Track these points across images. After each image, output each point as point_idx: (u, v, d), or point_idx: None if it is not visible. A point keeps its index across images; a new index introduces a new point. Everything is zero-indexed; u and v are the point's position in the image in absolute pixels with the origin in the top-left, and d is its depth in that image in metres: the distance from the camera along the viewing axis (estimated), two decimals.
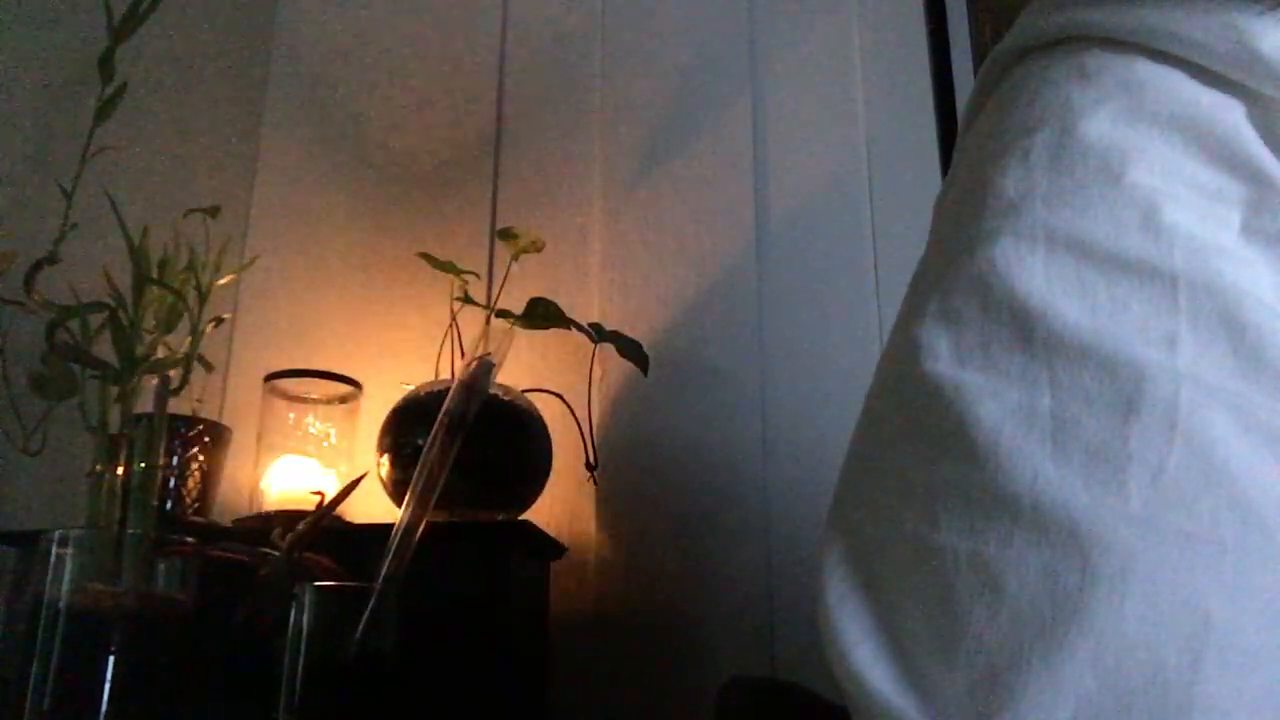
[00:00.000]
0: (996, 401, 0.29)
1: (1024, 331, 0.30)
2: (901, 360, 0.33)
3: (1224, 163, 0.31)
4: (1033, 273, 0.30)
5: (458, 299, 1.05)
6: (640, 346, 1.02)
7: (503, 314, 1.02)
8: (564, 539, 1.05)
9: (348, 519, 0.98)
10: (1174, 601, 0.25)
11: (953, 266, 0.33)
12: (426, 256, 1.05)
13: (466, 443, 0.72)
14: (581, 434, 1.07)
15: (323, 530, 0.80)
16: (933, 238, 0.37)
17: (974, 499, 0.28)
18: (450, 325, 1.06)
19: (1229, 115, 0.32)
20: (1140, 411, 0.27)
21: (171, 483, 1.00)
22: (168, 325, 0.84)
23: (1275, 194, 0.30)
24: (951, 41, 1.17)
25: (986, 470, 0.28)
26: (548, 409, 1.04)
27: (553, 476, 1.03)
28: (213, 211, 0.91)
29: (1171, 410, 0.27)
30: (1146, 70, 0.33)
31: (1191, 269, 0.29)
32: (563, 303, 1.01)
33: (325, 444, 1.08)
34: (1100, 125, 0.32)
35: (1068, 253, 0.30)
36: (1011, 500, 0.27)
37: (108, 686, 0.63)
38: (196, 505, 1.02)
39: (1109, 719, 0.24)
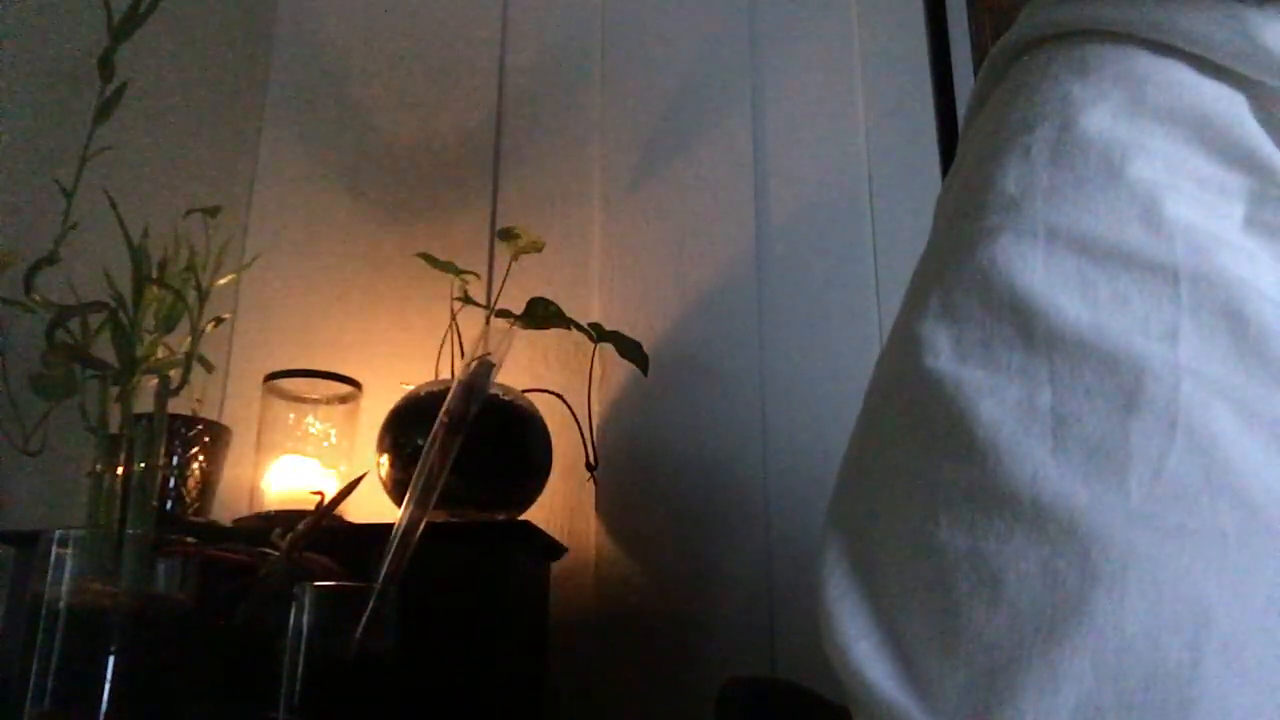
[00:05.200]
0: (996, 398, 0.29)
1: (1024, 328, 0.30)
2: (902, 356, 0.33)
3: (1226, 155, 0.31)
4: (1033, 269, 0.30)
5: (458, 299, 1.05)
6: (640, 346, 1.02)
7: (503, 314, 1.02)
8: (564, 539, 1.05)
9: (348, 519, 0.98)
10: (1175, 597, 0.25)
11: (954, 263, 0.33)
12: (426, 256, 1.05)
13: (466, 443, 0.72)
14: (581, 434, 1.07)
15: (323, 530, 0.80)
16: (934, 234, 0.37)
17: (974, 496, 0.28)
18: (450, 325, 1.06)
19: (1231, 107, 0.31)
20: (1140, 407, 0.27)
21: (171, 483, 1.00)
22: (168, 325, 0.84)
23: (1277, 186, 0.30)
24: (951, 41, 1.17)
25: (986, 467, 0.28)
26: (548, 409, 1.04)
27: (553, 476, 1.03)
28: (213, 211, 0.91)
29: (1172, 405, 0.27)
30: (1147, 63, 0.33)
31: (1193, 262, 0.29)
32: (563, 303, 1.01)
33: (325, 444, 1.07)
34: (1101, 120, 0.32)
35: (1068, 248, 0.30)
36: (1011, 497, 0.27)
37: (108, 686, 0.63)
38: (196, 505, 1.02)
39: (1109, 715, 0.24)
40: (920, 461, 0.30)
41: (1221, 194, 0.31)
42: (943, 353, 0.31)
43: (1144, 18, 0.33)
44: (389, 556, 0.68)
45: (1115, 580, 0.25)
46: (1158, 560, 0.25)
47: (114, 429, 0.77)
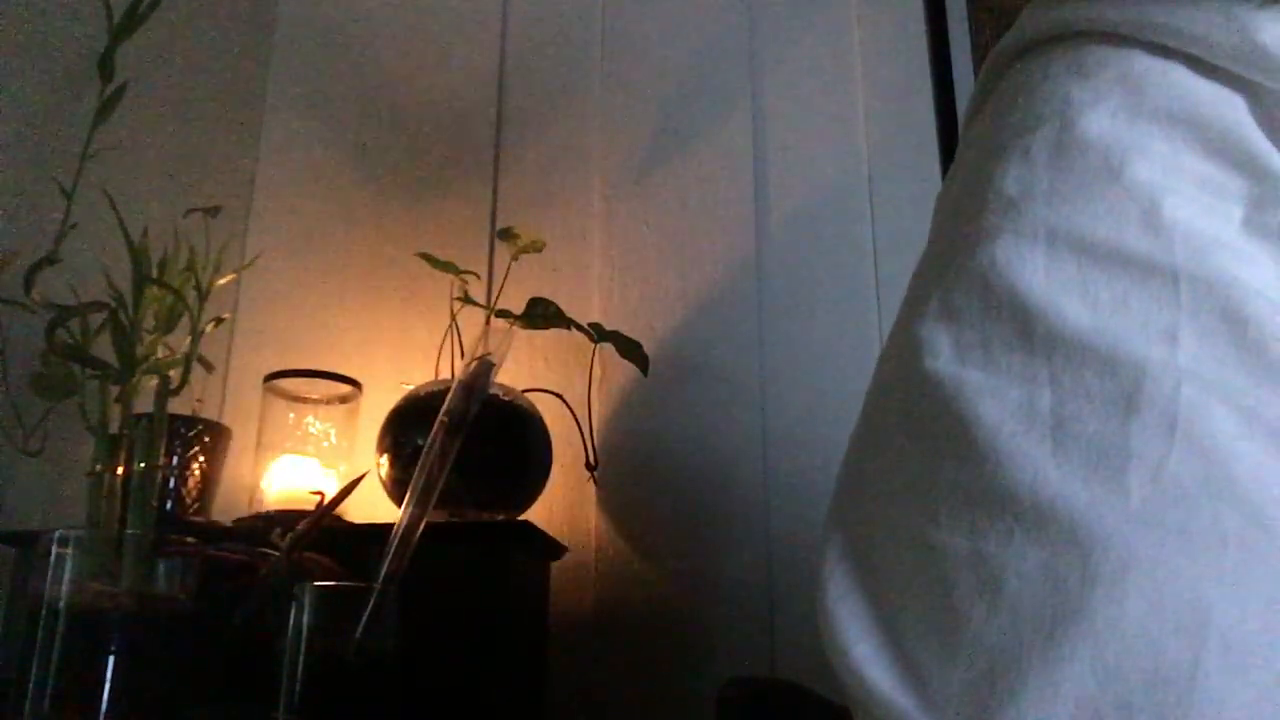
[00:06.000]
0: (997, 399, 0.29)
1: (1024, 329, 0.30)
2: (902, 357, 0.33)
3: (1225, 157, 0.31)
4: (1033, 270, 0.30)
5: (458, 299, 1.05)
6: (640, 346, 1.02)
7: (503, 314, 1.02)
8: (564, 539, 1.05)
9: (348, 519, 0.98)
10: (1174, 599, 0.25)
11: (954, 264, 0.33)
12: (426, 256, 1.05)
13: (466, 443, 0.72)
14: (581, 434, 1.07)
15: (323, 530, 0.80)
16: (934, 235, 0.37)
17: (974, 497, 0.28)
18: (450, 325, 1.06)
19: (1230, 109, 0.31)
20: (1140, 409, 0.27)
21: (171, 483, 1.00)
22: (168, 325, 0.84)
23: (1277, 188, 0.30)
24: (951, 42, 1.17)
25: (986, 468, 0.28)
26: (548, 409, 1.04)
27: (553, 476, 1.03)
28: (213, 211, 0.91)
29: (1172, 407, 0.27)
30: (1146, 65, 0.33)
31: (1192, 264, 0.29)
32: (563, 303, 1.01)
33: (325, 444, 1.08)
34: (1100, 122, 0.32)
35: (1068, 250, 0.30)
36: (1011, 499, 0.27)
37: (108, 686, 0.63)
38: (196, 505, 1.02)
39: (1109, 717, 0.24)
40: (920, 463, 0.30)
41: (1220, 195, 0.30)
42: (943, 354, 0.31)
43: (1142, 18, 0.33)
44: (389, 556, 0.68)
45: (1115, 582, 0.25)
46: (1158, 562, 0.25)
47: (114, 429, 0.77)
